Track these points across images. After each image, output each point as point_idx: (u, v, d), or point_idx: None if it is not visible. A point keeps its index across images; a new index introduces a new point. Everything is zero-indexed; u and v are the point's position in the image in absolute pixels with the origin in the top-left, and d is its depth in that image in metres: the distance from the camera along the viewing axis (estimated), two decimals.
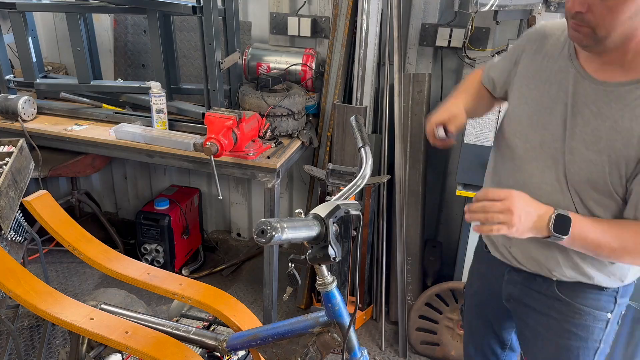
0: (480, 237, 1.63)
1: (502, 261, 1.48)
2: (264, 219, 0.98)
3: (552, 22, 1.37)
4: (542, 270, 1.38)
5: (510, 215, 1.15)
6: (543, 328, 1.42)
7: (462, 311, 1.78)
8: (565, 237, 1.17)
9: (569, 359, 1.41)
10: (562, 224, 1.18)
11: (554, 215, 1.18)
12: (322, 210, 1.09)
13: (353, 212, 1.12)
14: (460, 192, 2.35)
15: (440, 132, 1.40)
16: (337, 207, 1.08)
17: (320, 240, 1.08)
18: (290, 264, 1.19)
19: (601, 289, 1.35)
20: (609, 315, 1.36)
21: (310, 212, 1.10)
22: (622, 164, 1.17)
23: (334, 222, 1.08)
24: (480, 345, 1.72)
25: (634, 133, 1.14)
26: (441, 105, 1.48)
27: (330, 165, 2.41)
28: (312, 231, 1.06)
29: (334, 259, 1.07)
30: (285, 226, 0.99)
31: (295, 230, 1.02)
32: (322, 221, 1.08)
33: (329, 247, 1.06)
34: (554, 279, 1.37)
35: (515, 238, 1.32)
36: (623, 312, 1.41)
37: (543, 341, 1.44)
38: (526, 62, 1.37)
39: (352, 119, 1.47)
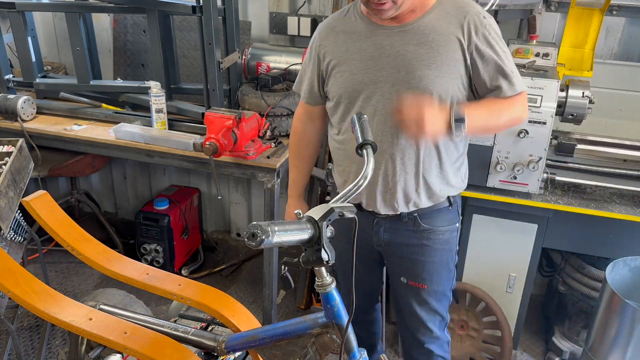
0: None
1: (368, 213, 1.69)
2: (254, 222, 0.98)
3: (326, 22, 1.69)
4: (402, 208, 1.64)
5: (423, 123, 1.34)
6: (417, 255, 1.72)
7: (334, 270, 1.91)
8: (463, 124, 1.39)
9: (443, 267, 1.75)
10: (458, 116, 1.40)
11: (452, 112, 1.40)
12: (316, 212, 1.08)
13: (348, 214, 1.11)
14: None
15: None
16: (331, 210, 1.08)
17: (314, 244, 1.07)
18: (283, 266, 1.19)
19: (449, 206, 1.69)
20: (457, 225, 1.75)
21: (305, 215, 1.09)
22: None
23: (327, 225, 1.07)
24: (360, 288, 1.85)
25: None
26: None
27: (330, 165, 2.40)
28: (305, 234, 1.05)
29: (326, 262, 1.06)
30: (276, 229, 0.99)
31: (287, 234, 1.02)
32: (315, 224, 1.07)
33: (322, 251, 1.06)
34: (415, 209, 1.64)
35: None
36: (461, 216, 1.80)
37: (422, 264, 1.73)
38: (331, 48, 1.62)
39: (355, 117, 1.38)
